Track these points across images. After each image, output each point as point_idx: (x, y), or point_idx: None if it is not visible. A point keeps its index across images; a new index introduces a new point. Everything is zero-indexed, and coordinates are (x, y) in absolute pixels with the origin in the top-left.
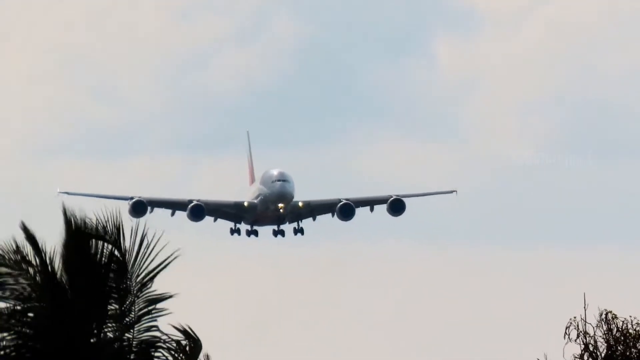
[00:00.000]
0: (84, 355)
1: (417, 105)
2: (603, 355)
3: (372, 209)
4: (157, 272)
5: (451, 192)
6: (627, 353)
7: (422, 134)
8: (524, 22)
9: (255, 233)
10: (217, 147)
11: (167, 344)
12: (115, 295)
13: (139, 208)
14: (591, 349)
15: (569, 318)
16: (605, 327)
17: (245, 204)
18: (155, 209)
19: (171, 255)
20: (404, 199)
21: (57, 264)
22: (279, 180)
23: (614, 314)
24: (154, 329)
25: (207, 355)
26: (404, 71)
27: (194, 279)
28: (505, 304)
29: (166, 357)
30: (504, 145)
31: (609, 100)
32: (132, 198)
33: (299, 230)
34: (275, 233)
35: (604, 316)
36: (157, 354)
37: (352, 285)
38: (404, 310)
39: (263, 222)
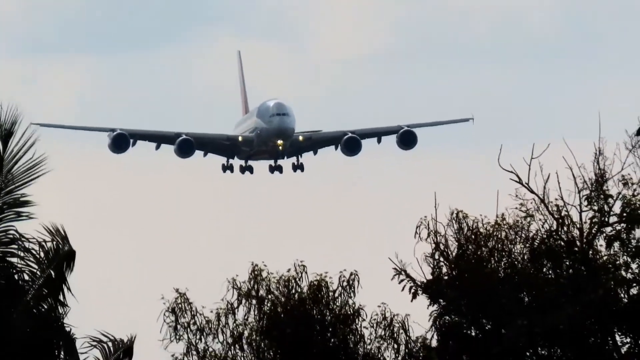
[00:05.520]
0: None
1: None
2: (454, 254)
3: (379, 141)
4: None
5: (467, 120)
6: (478, 252)
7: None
8: None
9: (250, 169)
10: None
11: (28, 243)
12: None
13: (121, 142)
14: (442, 247)
15: (420, 217)
16: (456, 226)
17: (240, 138)
18: (139, 142)
19: (39, 165)
20: (416, 130)
21: None
22: (278, 114)
23: (464, 213)
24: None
25: None
26: None
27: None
28: (356, 205)
29: (26, 255)
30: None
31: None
32: (113, 130)
33: (298, 167)
34: (272, 169)
35: (454, 215)
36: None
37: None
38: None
39: (258, 157)
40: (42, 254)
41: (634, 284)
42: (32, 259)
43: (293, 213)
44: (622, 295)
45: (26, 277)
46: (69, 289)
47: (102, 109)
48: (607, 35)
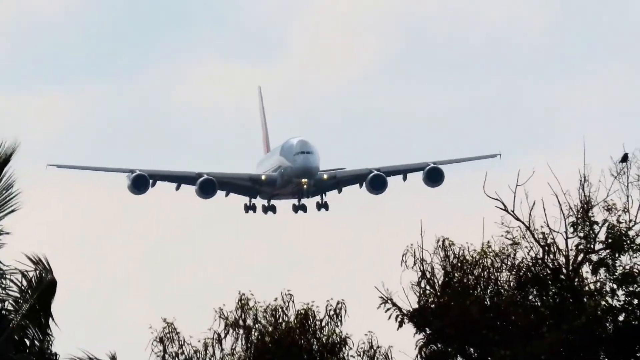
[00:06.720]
0: None
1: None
2: (440, 282)
3: (405, 178)
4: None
5: (494, 155)
6: (464, 280)
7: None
8: None
9: (273, 209)
10: None
11: (11, 273)
12: None
13: (140, 183)
14: (428, 275)
15: (406, 245)
16: (442, 254)
17: (263, 177)
18: (158, 183)
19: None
20: (442, 167)
21: None
22: (302, 152)
23: (450, 240)
24: None
25: None
26: None
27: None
28: (342, 233)
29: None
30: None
31: None
32: (132, 171)
33: (322, 205)
34: (296, 208)
35: (440, 243)
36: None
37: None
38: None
39: (281, 197)
40: (24, 283)
41: (621, 311)
42: (14, 289)
43: (290, 246)
44: (608, 323)
45: (9, 307)
46: (53, 319)
47: (116, 148)
48: (593, 61)
